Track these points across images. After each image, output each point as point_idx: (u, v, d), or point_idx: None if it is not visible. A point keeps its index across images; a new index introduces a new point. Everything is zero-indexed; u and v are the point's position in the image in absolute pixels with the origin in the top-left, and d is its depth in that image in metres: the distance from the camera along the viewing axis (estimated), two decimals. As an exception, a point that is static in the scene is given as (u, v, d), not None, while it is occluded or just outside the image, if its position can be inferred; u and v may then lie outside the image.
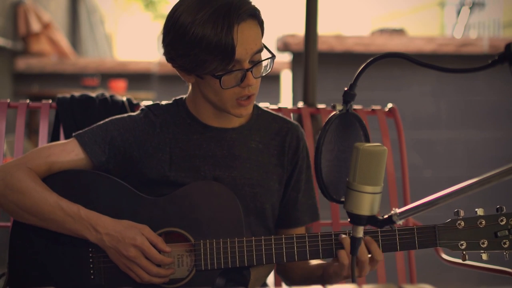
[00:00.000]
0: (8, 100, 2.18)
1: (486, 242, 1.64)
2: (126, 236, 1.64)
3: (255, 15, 1.68)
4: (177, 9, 1.67)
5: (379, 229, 1.67)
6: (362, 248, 1.63)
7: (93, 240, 1.66)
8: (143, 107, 1.85)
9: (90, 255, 1.71)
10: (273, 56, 1.72)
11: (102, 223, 1.66)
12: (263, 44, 1.71)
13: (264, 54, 1.72)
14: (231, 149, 1.81)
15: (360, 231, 1.39)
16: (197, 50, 1.63)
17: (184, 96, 1.86)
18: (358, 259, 1.63)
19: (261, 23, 1.70)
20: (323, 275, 1.72)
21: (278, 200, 1.87)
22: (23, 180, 1.69)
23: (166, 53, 1.73)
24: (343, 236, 1.66)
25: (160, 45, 1.74)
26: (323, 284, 1.77)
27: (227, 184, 1.78)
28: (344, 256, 1.64)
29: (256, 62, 1.69)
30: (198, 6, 1.64)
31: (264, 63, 1.71)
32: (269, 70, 1.73)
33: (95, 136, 1.77)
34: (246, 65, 1.67)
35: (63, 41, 6.67)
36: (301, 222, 1.90)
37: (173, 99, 1.87)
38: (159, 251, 1.66)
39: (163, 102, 1.87)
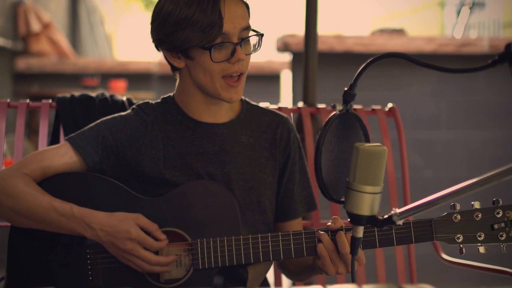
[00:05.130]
0: (8, 100, 2.18)
1: (482, 235, 1.64)
2: (121, 230, 1.64)
3: None
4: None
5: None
6: (343, 241, 1.63)
7: (89, 236, 1.67)
8: (133, 106, 1.86)
9: (88, 256, 1.71)
10: (261, 34, 1.75)
11: (95, 219, 1.66)
12: (251, 28, 1.74)
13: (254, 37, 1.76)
14: (222, 145, 1.81)
15: (360, 231, 1.38)
16: (184, 26, 1.68)
17: (172, 94, 1.86)
18: (339, 252, 1.64)
19: (246, 5, 1.75)
20: (313, 265, 1.73)
21: (273, 194, 1.87)
22: (17, 185, 1.70)
23: (154, 37, 1.77)
24: (321, 232, 1.67)
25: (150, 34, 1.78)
26: (313, 272, 1.78)
27: (221, 180, 1.79)
28: (322, 248, 1.65)
29: (245, 38, 1.72)
30: None
31: (253, 42, 1.75)
32: (258, 49, 1.77)
33: (87, 137, 1.78)
34: (235, 39, 1.70)
35: (63, 41, 6.67)
36: (298, 214, 1.91)
37: (161, 97, 1.88)
38: (155, 239, 1.67)
39: (153, 101, 1.87)
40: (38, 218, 1.69)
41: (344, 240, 1.63)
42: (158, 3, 1.75)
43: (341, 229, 1.66)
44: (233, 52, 1.70)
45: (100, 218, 1.66)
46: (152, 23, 1.76)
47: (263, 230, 1.83)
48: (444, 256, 2.18)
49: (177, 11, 1.68)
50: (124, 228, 1.64)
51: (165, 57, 1.79)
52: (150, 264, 1.66)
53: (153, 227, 1.67)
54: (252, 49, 1.76)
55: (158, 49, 1.79)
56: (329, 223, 1.68)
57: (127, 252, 1.65)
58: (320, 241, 1.66)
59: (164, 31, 1.72)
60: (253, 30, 1.75)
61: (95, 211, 1.68)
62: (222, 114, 1.83)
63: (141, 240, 1.65)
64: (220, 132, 1.82)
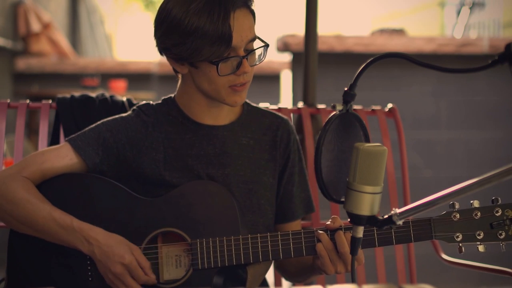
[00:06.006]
0: (8, 100, 2.18)
1: (482, 234, 1.64)
2: (116, 253, 1.64)
3: (248, 4, 1.70)
4: (169, 1, 1.69)
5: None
6: (341, 240, 1.63)
7: (85, 251, 1.67)
8: (134, 107, 1.86)
9: (88, 257, 1.71)
10: (267, 45, 1.73)
11: (95, 235, 1.66)
12: (256, 35, 1.72)
13: (258, 45, 1.73)
14: (223, 147, 1.81)
15: (360, 231, 1.38)
16: (193, 38, 1.64)
17: (173, 95, 1.86)
18: (338, 251, 1.64)
19: (253, 13, 1.72)
20: (312, 264, 1.73)
21: (273, 196, 1.87)
22: (17, 191, 1.70)
23: (159, 44, 1.73)
24: (320, 232, 1.67)
25: (153, 37, 1.74)
26: (312, 272, 1.78)
27: (221, 182, 1.79)
28: (321, 248, 1.65)
29: (250, 50, 1.70)
30: None
31: (258, 52, 1.73)
32: (263, 59, 1.74)
33: (88, 139, 1.78)
34: (242, 52, 1.68)
35: (63, 41, 6.67)
36: (296, 215, 1.91)
37: (162, 98, 1.87)
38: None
39: (153, 102, 1.87)
40: (37, 227, 1.69)
41: (343, 240, 1.63)
42: (165, 4, 1.70)
43: (340, 228, 1.66)
44: (239, 65, 1.68)
45: (99, 235, 1.66)
46: (157, 26, 1.71)
47: (263, 232, 1.82)
48: (444, 256, 2.18)
49: (186, 20, 1.64)
50: (119, 252, 1.64)
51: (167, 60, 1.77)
52: None
53: (146, 264, 1.67)
54: (257, 59, 1.74)
55: (161, 54, 1.77)
56: (328, 222, 1.68)
57: (115, 275, 1.65)
58: (319, 240, 1.66)
59: (171, 42, 1.68)
60: (259, 38, 1.72)
61: (95, 227, 1.68)
62: (223, 116, 1.83)
63: (132, 268, 1.65)
64: (221, 134, 1.82)
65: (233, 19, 1.65)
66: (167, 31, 1.68)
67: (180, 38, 1.66)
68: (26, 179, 1.72)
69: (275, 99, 6.10)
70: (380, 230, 1.67)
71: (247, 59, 1.68)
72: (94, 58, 8.11)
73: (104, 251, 1.65)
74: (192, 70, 1.73)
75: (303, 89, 2.74)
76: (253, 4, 1.72)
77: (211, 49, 1.64)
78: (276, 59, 6.15)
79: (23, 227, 1.71)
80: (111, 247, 1.65)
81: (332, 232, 1.66)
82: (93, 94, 2.15)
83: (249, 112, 1.89)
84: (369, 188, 1.31)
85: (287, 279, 1.97)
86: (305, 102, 2.70)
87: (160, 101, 1.87)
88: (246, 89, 1.74)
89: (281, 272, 1.96)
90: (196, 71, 1.72)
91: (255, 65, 1.73)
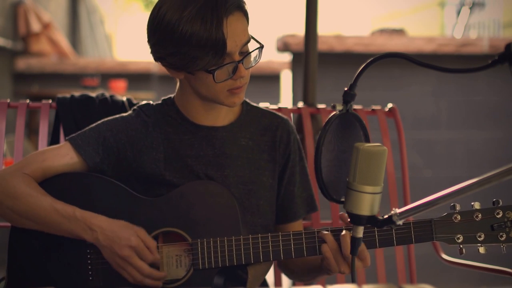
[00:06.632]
0: (8, 100, 2.18)
1: (482, 235, 1.64)
2: (122, 237, 1.64)
3: (241, 7, 1.69)
4: (161, 7, 1.67)
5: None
6: (346, 243, 1.63)
7: (89, 239, 1.67)
8: (134, 107, 1.86)
9: (89, 256, 1.71)
10: (261, 46, 1.72)
11: (98, 222, 1.66)
12: (251, 35, 1.71)
13: (252, 46, 1.72)
14: (222, 148, 1.81)
15: (360, 231, 1.39)
16: (187, 48, 1.63)
17: (172, 95, 1.86)
18: (343, 253, 1.63)
19: (246, 14, 1.71)
20: (320, 265, 1.73)
21: (273, 196, 1.87)
22: (18, 186, 1.70)
23: (154, 53, 1.72)
24: (325, 232, 1.66)
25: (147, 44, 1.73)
26: (319, 273, 1.77)
27: (220, 183, 1.79)
28: (327, 249, 1.65)
29: (246, 54, 1.69)
30: (183, 3, 1.63)
31: (253, 54, 1.72)
32: (259, 60, 1.74)
33: (88, 138, 1.78)
34: (237, 57, 1.67)
35: (63, 41, 6.67)
36: (298, 215, 1.91)
37: (162, 99, 1.87)
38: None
39: (154, 103, 1.87)
40: (39, 219, 1.69)
41: (348, 242, 1.62)
42: (158, 9, 1.67)
43: (345, 229, 1.65)
44: (235, 70, 1.67)
45: (102, 222, 1.66)
46: (150, 34, 1.69)
47: (262, 233, 1.82)
48: (444, 256, 2.18)
49: (179, 28, 1.62)
50: (125, 235, 1.64)
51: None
52: (142, 275, 1.66)
53: (152, 243, 1.67)
54: (252, 61, 1.73)
55: (156, 61, 1.75)
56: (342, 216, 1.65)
57: (123, 258, 1.65)
58: (324, 241, 1.66)
59: (165, 51, 1.67)
60: (253, 39, 1.71)
61: (98, 215, 1.68)
62: (221, 117, 1.83)
63: (139, 249, 1.65)
64: (220, 135, 1.82)
65: (227, 26, 1.63)
66: (160, 40, 1.67)
67: (174, 47, 1.65)
68: (27, 175, 1.73)
69: (275, 99, 6.10)
70: (381, 231, 1.67)
71: (242, 63, 1.68)
72: (94, 58, 8.11)
73: (108, 237, 1.65)
74: (188, 77, 1.73)
75: (303, 89, 2.74)
76: (246, 5, 1.71)
77: (206, 58, 1.63)
78: (276, 59, 6.15)
79: (25, 221, 1.71)
80: (115, 232, 1.65)
81: (335, 233, 1.66)
82: (93, 94, 2.15)
83: (249, 112, 1.89)
84: (369, 188, 1.31)
85: (289, 277, 1.96)
86: (305, 102, 2.70)
87: (160, 102, 1.87)
88: (244, 90, 1.74)
89: (285, 272, 1.95)
90: (193, 78, 1.72)
91: (251, 67, 1.73)
